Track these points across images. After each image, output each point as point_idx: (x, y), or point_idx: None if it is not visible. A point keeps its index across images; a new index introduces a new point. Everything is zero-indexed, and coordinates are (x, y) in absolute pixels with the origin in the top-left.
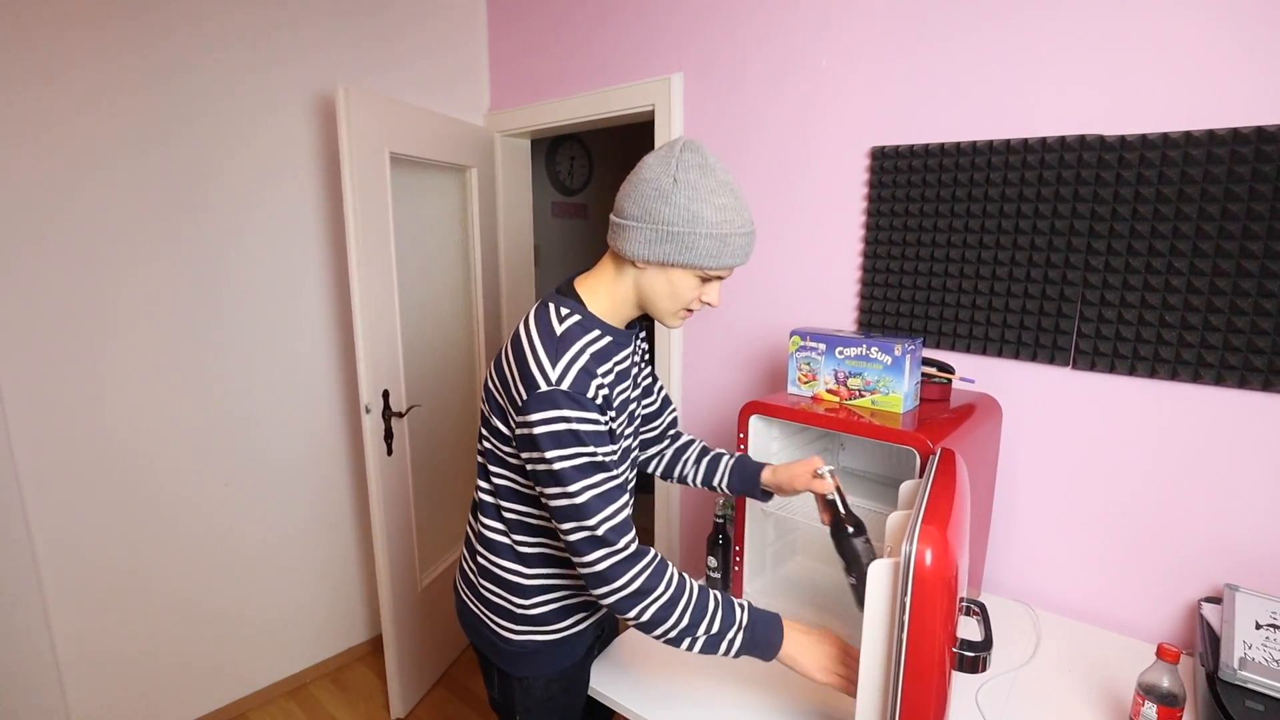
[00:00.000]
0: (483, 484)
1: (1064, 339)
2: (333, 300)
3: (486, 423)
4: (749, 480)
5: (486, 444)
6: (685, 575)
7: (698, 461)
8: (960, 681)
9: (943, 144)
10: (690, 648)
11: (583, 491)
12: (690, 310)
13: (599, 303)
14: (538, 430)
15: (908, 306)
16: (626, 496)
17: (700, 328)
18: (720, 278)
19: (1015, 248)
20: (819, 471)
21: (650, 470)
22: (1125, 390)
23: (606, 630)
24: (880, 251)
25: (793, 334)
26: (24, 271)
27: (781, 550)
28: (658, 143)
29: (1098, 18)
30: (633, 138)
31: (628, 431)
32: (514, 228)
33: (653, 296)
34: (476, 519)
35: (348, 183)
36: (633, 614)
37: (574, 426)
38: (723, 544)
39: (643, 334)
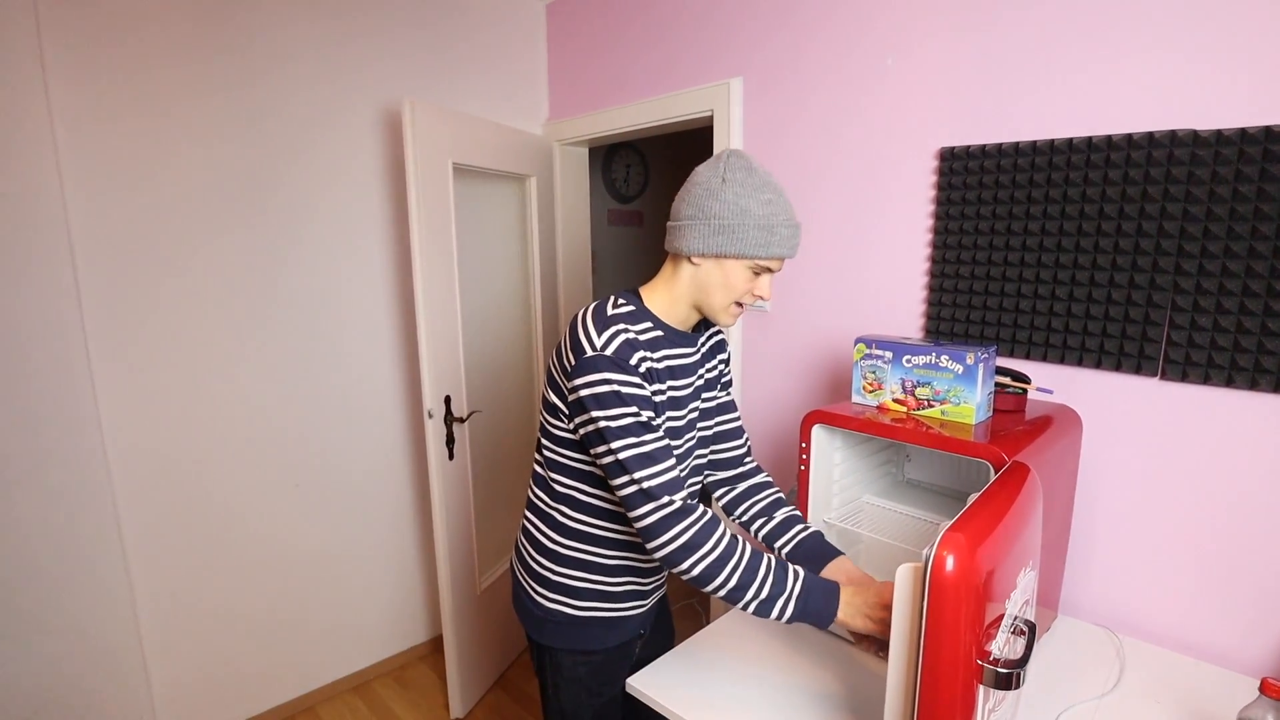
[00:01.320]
0: (537, 456)
1: (1152, 347)
2: (395, 307)
3: (544, 400)
4: (813, 563)
5: (541, 418)
6: (740, 538)
7: (767, 513)
8: (1035, 711)
9: (1016, 143)
10: (745, 608)
11: (627, 448)
12: (741, 305)
13: (656, 301)
14: (584, 392)
15: (979, 313)
16: (673, 459)
17: (760, 334)
18: (770, 270)
19: (1097, 251)
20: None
21: (716, 498)
22: (1221, 403)
23: (650, 635)
24: (949, 256)
25: (858, 341)
26: (113, 280)
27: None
28: (717, 148)
29: (1188, 2)
30: (689, 145)
31: (680, 424)
32: (572, 235)
33: (708, 289)
34: (531, 489)
35: (413, 193)
36: (683, 567)
37: (617, 388)
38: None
39: (717, 341)
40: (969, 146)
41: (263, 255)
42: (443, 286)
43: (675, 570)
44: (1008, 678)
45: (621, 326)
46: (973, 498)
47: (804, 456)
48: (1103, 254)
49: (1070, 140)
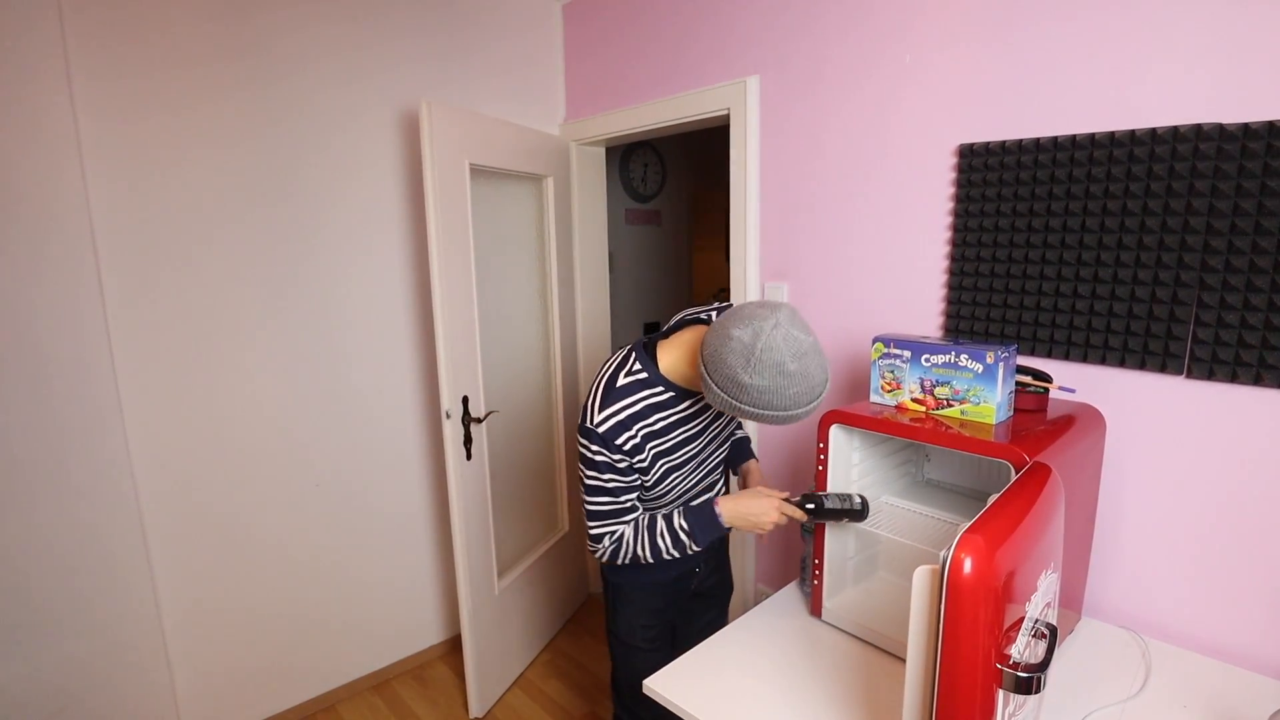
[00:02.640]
0: None
1: (1177, 345)
2: (413, 308)
3: None
4: (734, 462)
5: None
6: (638, 531)
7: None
8: (1057, 716)
9: (1037, 139)
10: (664, 563)
11: (588, 502)
12: None
13: (674, 366)
14: (579, 446)
15: (999, 311)
16: (610, 518)
17: None
18: None
19: (1120, 247)
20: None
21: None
22: (1249, 402)
23: (708, 572)
24: (969, 254)
25: (875, 340)
26: (136, 278)
27: (863, 565)
28: (733, 146)
29: None
30: (707, 143)
31: (685, 457)
32: (588, 235)
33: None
34: None
35: (430, 194)
36: (608, 561)
37: (595, 457)
38: (802, 560)
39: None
40: (988, 143)
41: (282, 254)
42: (460, 287)
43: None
44: (1028, 682)
45: (620, 407)
46: (992, 498)
47: (822, 457)
48: (1126, 250)
49: (1092, 135)
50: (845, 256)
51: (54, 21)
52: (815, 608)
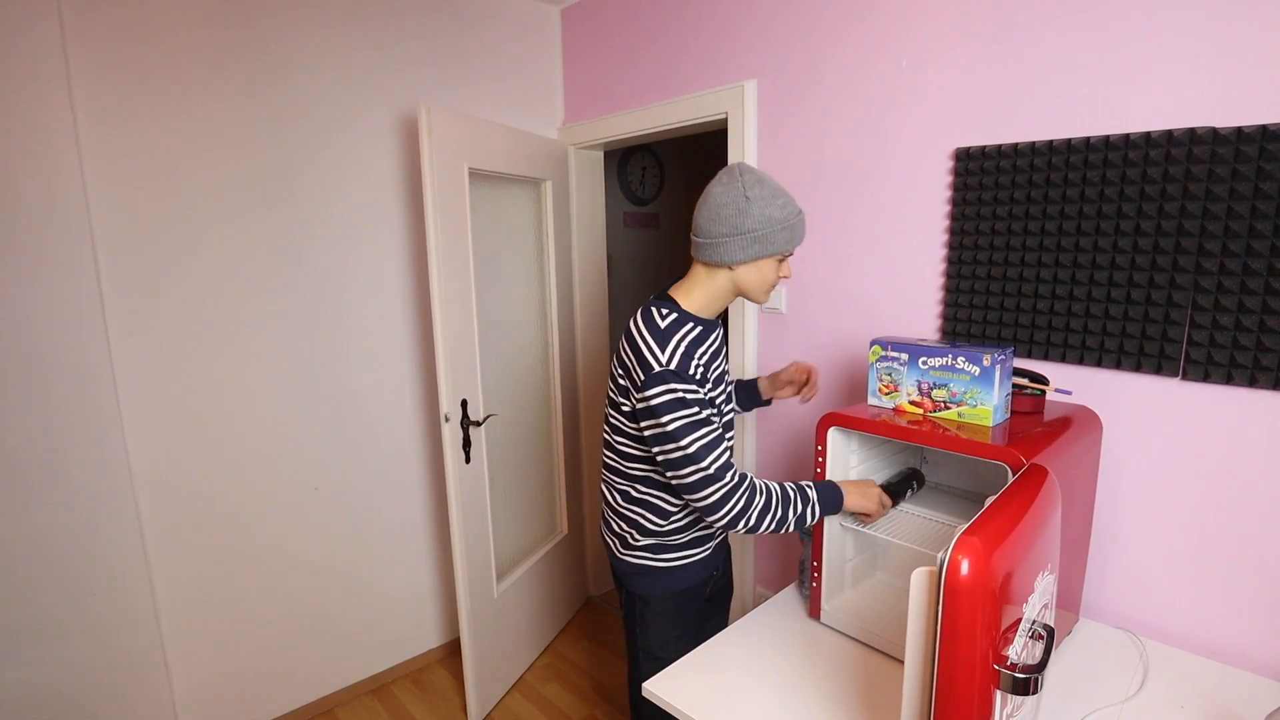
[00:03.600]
0: (609, 450)
1: (1172, 347)
2: (412, 311)
3: (613, 403)
4: (751, 395)
5: (613, 420)
6: (770, 485)
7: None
8: (1056, 716)
9: (1033, 143)
10: (790, 530)
11: (694, 443)
12: (770, 289)
13: (694, 302)
14: (655, 401)
15: (995, 314)
16: (725, 445)
17: (775, 335)
18: (789, 254)
19: (1116, 250)
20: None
21: None
22: (1244, 403)
23: (720, 576)
24: (965, 257)
25: (873, 343)
26: (135, 282)
27: (861, 567)
28: (731, 150)
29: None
30: (704, 147)
31: (722, 397)
32: (587, 238)
33: (748, 286)
34: (607, 475)
35: (429, 198)
36: (740, 528)
37: (681, 395)
38: (800, 562)
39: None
40: (984, 147)
41: (281, 257)
42: (459, 290)
43: (734, 531)
44: (1025, 683)
45: (677, 340)
46: (990, 500)
47: (820, 459)
48: (1121, 253)
49: (1087, 139)
50: (844, 259)
51: (54, 25)
52: (814, 610)
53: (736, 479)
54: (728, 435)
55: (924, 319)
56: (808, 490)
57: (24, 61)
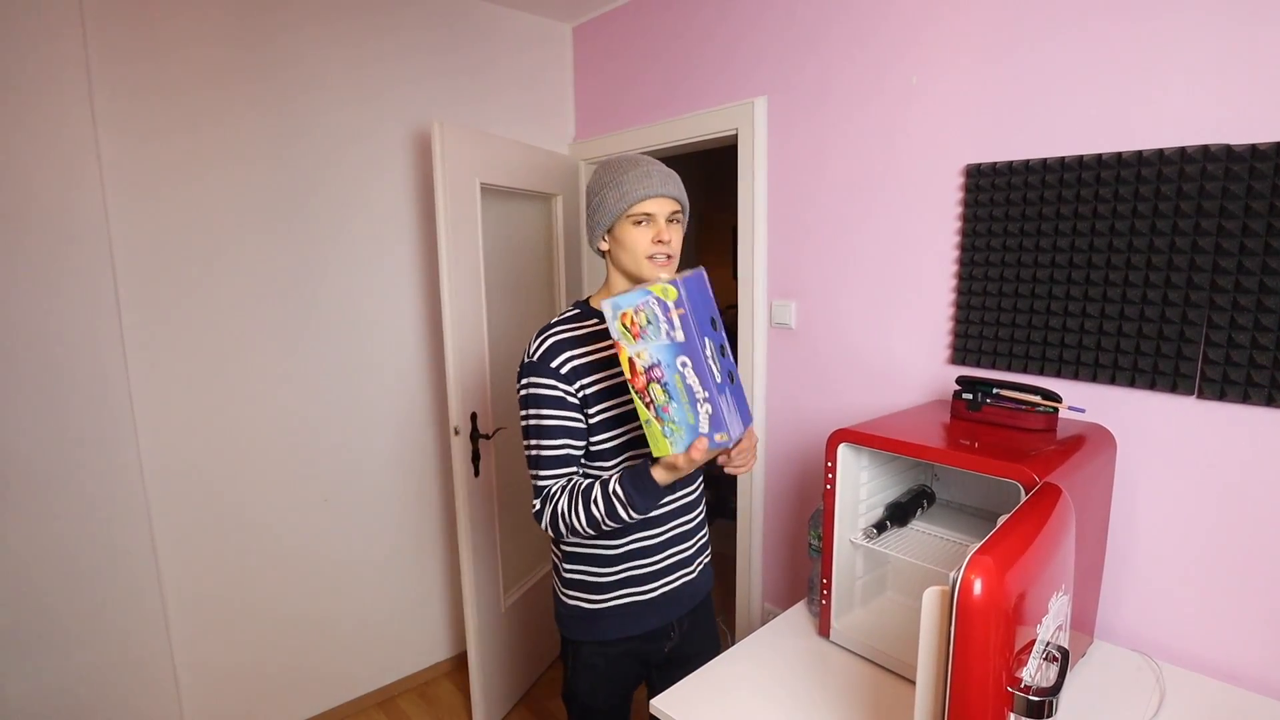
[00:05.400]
0: None
1: (1188, 365)
2: (423, 324)
3: None
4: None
5: None
6: (573, 495)
7: None
8: None
9: (1045, 159)
10: (605, 531)
11: (527, 450)
12: (659, 258)
13: (598, 298)
14: (520, 393)
15: (1007, 330)
16: (554, 461)
17: (785, 349)
18: (648, 214)
19: (1129, 267)
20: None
21: None
22: (1261, 422)
23: (684, 641)
24: (977, 274)
25: (672, 283)
26: (152, 294)
27: (871, 585)
28: (741, 166)
29: (1219, 14)
30: (716, 164)
31: (619, 407)
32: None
33: (621, 260)
34: None
35: (441, 213)
36: (554, 535)
37: (533, 390)
38: (810, 580)
39: None
40: (995, 163)
41: (295, 271)
42: (469, 304)
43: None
44: (1039, 706)
45: (556, 329)
46: (1002, 519)
47: (830, 476)
48: (1135, 270)
49: (1099, 156)
50: (853, 276)
51: (77, 40)
52: (823, 628)
53: (540, 500)
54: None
55: (936, 335)
56: (616, 505)
57: (47, 72)
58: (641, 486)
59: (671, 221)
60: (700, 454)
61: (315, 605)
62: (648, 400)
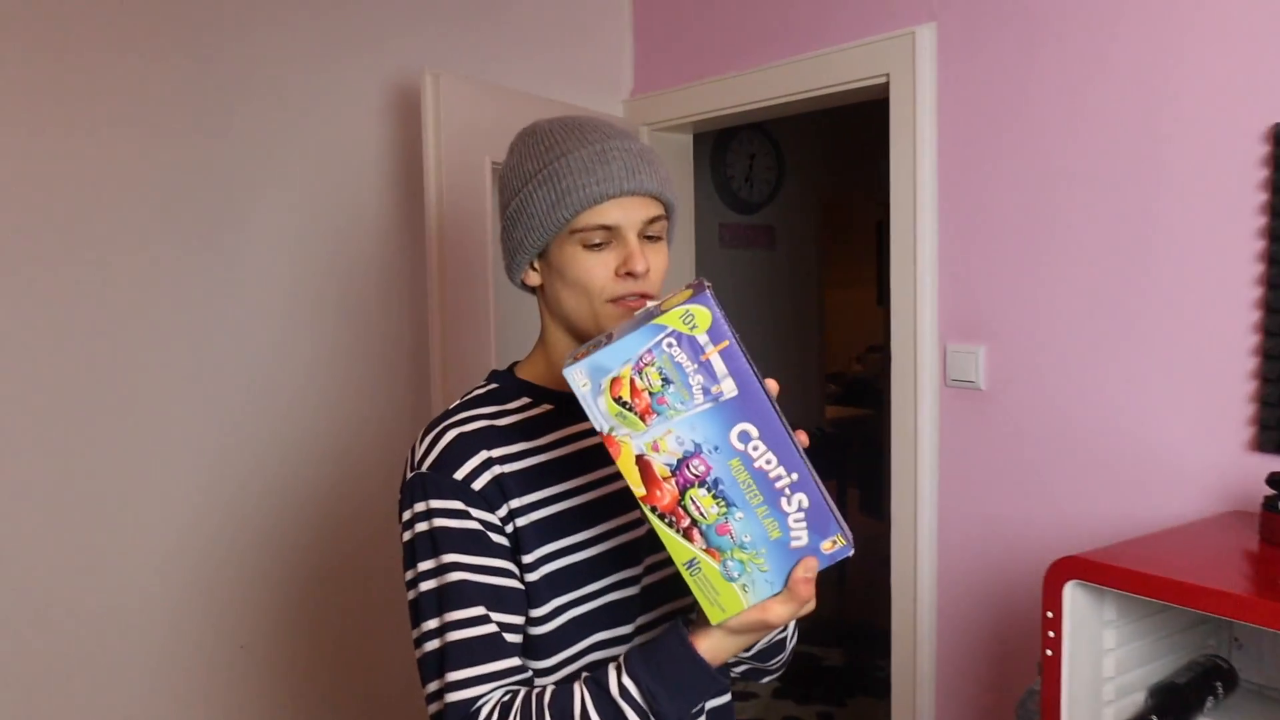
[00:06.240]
0: None
1: None
2: (409, 356)
3: None
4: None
5: None
6: (546, 709)
7: None
8: None
9: None
10: None
11: (427, 636)
12: (627, 300)
13: (534, 364)
14: (402, 541)
15: None
16: (485, 656)
17: (967, 421)
18: (607, 228)
19: None
20: None
21: None
22: None
23: None
24: None
25: (693, 296)
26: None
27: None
28: (895, 131)
29: None
30: (844, 126)
31: (571, 550)
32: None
33: (565, 305)
34: None
35: (432, 208)
36: None
37: (425, 526)
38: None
39: None
40: None
41: (217, 288)
42: (474, 339)
43: None
44: None
45: (461, 418)
46: None
47: (1052, 635)
48: None
49: None
50: (1078, 305)
51: None
52: None
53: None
54: (608, 633)
55: (1225, 404)
56: (617, 698)
57: None
58: (677, 675)
59: (650, 238)
60: (810, 586)
61: None
62: (684, 525)
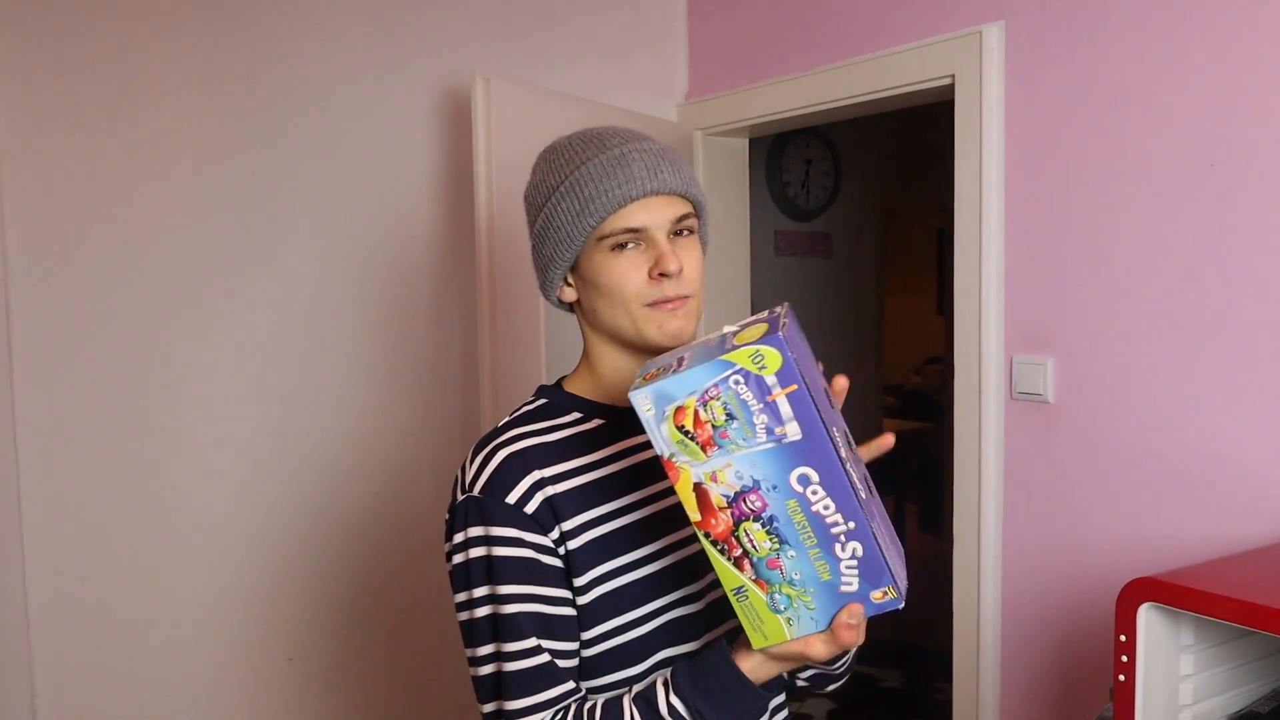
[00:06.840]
0: None
1: None
2: (458, 367)
3: None
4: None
5: None
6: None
7: None
8: None
9: None
10: None
11: (482, 660)
12: (661, 303)
13: (581, 379)
14: (451, 563)
15: None
16: (539, 686)
17: (1035, 436)
18: (634, 230)
19: None
20: None
21: None
22: None
23: None
24: None
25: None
26: (55, 360)
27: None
28: (960, 135)
29: None
30: (906, 129)
31: (628, 567)
32: (718, 271)
33: (604, 316)
34: None
35: (482, 215)
36: None
37: (480, 552)
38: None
39: None
40: None
41: (270, 300)
42: (522, 349)
43: None
44: None
45: (510, 437)
46: None
47: (1124, 658)
48: None
49: None
50: (1155, 314)
51: None
52: None
53: None
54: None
55: None
56: (664, 714)
57: None
58: (722, 693)
59: (680, 233)
60: (855, 632)
61: None
62: (736, 554)
